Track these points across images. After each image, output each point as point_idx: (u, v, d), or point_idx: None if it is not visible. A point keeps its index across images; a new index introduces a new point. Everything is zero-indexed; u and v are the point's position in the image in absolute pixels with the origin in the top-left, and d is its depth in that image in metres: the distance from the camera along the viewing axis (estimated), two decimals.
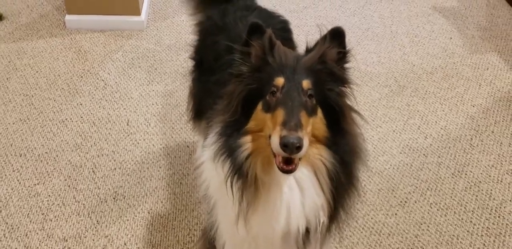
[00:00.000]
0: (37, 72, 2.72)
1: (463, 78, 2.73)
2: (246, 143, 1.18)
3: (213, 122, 1.31)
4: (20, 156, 2.26)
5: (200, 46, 1.88)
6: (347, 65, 1.25)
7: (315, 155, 1.18)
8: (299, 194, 1.20)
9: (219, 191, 1.27)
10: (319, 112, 1.17)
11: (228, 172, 1.18)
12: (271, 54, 1.20)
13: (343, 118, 1.19)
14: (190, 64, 2.00)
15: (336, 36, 1.21)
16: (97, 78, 2.69)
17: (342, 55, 1.22)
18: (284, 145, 1.04)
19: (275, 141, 1.06)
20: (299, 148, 1.04)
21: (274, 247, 1.27)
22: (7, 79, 2.67)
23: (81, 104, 2.52)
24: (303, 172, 1.18)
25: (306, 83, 1.15)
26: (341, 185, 1.21)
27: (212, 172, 1.26)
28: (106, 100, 2.55)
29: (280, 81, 1.15)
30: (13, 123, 2.41)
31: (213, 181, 1.30)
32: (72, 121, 2.43)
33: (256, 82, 1.19)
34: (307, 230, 1.24)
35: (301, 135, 1.05)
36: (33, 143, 2.31)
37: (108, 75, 2.71)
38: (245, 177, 1.18)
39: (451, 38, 3.03)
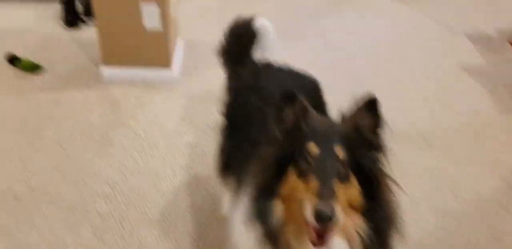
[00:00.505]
0: (72, 122, 2.80)
1: (494, 139, 2.70)
2: (279, 208, 1.18)
3: (244, 184, 1.32)
4: (51, 203, 2.29)
5: (231, 103, 1.91)
6: (381, 132, 1.25)
7: (350, 224, 1.16)
8: None
9: None
10: (353, 180, 1.16)
11: (259, 238, 1.17)
12: (304, 121, 1.21)
13: (378, 185, 1.18)
14: (220, 119, 2.04)
15: (371, 105, 1.22)
16: (129, 129, 2.75)
17: (377, 123, 1.22)
18: (317, 215, 1.03)
19: (307, 211, 1.05)
20: (332, 219, 1.03)
21: None
22: (43, 128, 2.76)
23: (112, 155, 2.57)
24: (337, 241, 1.15)
25: (339, 150, 1.15)
26: None
27: (243, 236, 1.25)
28: (137, 151, 2.60)
29: (313, 147, 1.15)
30: (46, 171, 2.46)
31: (244, 245, 1.28)
32: (103, 172, 2.47)
33: (289, 147, 1.20)
34: None
35: (335, 206, 1.04)
36: (64, 192, 2.35)
37: (138, 126, 2.77)
38: (276, 244, 1.16)
39: (480, 97, 3.03)
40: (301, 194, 1.12)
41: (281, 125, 1.24)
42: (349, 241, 1.17)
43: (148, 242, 2.10)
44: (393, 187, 1.22)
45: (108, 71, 3.15)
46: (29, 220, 2.20)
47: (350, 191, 1.14)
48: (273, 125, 1.25)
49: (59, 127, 2.77)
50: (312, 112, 1.24)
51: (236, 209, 1.32)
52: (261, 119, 1.61)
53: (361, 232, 1.16)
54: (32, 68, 3.24)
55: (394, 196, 1.22)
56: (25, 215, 2.22)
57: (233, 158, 1.80)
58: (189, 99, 3.01)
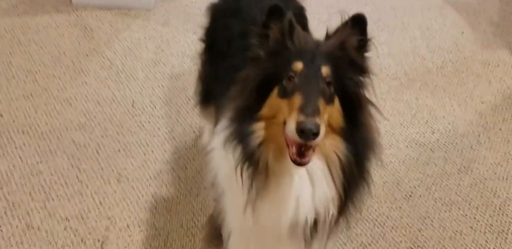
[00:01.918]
0: (41, 48, 2.67)
1: (473, 74, 2.71)
2: (259, 129, 1.15)
3: (225, 108, 1.28)
4: (23, 133, 2.22)
5: (212, 28, 1.83)
6: (367, 54, 1.20)
7: (329, 146, 1.14)
8: (309, 185, 1.17)
9: (228, 179, 1.24)
10: (336, 101, 1.13)
11: (238, 159, 1.15)
12: (290, 38, 1.16)
13: (360, 109, 1.16)
14: (200, 46, 1.96)
15: (358, 23, 1.17)
16: (103, 57, 2.64)
17: (363, 43, 1.18)
18: (301, 130, 1.00)
19: (291, 127, 1.03)
20: (316, 134, 1.01)
21: (281, 238, 1.25)
22: (11, 53, 2.62)
23: (86, 83, 2.48)
24: (315, 163, 1.14)
25: (325, 70, 1.11)
26: (353, 178, 1.18)
27: (222, 160, 1.23)
28: (112, 80, 2.51)
29: (298, 65, 1.11)
30: (16, 100, 2.37)
31: (223, 168, 1.27)
32: (76, 100, 2.39)
33: (272, 66, 1.16)
34: (315, 222, 1.22)
35: (319, 122, 1.02)
36: (36, 121, 2.28)
37: (114, 55, 2.66)
38: (256, 165, 1.14)
39: (462, 32, 3.00)
40: (285, 113, 1.09)
41: (265, 43, 1.19)
42: (328, 162, 1.16)
43: (126, 172, 2.08)
44: (375, 114, 1.20)
45: None
46: None
47: (332, 112, 1.12)
48: (256, 42, 1.20)
49: (28, 53, 2.63)
50: (299, 29, 1.18)
51: (216, 134, 1.29)
52: (242, 44, 1.55)
53: (340, 154, 1.15)
54: None
55: (376, 123, 1.20)
56: None
57: (213, 86, 1.75)
58: (167, 26, 2.88)
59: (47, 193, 1.99)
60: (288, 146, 1.10)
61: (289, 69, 1.12)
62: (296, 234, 1.23)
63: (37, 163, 2.10)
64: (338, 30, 1.19)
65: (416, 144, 2.30)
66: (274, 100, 1.14)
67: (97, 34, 2.79)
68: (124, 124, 2.29)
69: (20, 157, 2.12)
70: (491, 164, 2.23)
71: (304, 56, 1.13)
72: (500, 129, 2.39)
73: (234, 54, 1.59)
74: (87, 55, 2.65)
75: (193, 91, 2.14)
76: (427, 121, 2.42)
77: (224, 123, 1.24)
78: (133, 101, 2.41)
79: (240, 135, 1.16)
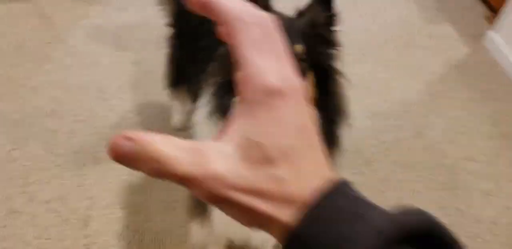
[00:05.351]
0: (0, 38, 2.65)
1: (421, 47, 2.90)
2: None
3: (205, 84, 1.37)
4: None
5: (181, 12, 1.89)
6: (335, 28, 1.32)
7: None
8: None
9: None
10: (310, 75, 1.24)
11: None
12: None
13: (331, 79, 1.28)
14: (165, 30, 2.02)
15: (325, 0, 1.27)
16: (65, 44, 2.66)
17: (331, 19, 1.29)
18: None
19: None
20: None
21: None
22: None
23: (51, 71, 2.51)
24: None
25: (298, 48, 1.22)
26: (326, 144, 1.32)
27: (207, 132, 1.33)
28: (77, 67, 2.55)
29: None
30: None
31: (206, 138, 1.37)
32: (43, 88, 2.42)
33: None
34: None
35: None
36: (5, 109, 2.30)
37: (76, 41, 2.69)
38: None
39: (408, 8, 3.19)
40: None
41: None
42: None
43: (102, 154, 2.15)
44: (343, 82, 1.33)
45: None
46: None
47: (306, 85, 1.24)
48: None
49: None
50: (272, 7, 1.28)
51: (199, 108, 1.38)
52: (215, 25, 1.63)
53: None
54: None
55: (344, 90, 1.34)
56: None
57: (185, 68, 1.83)
58: (126, 11, 2.91)
59: (24, 179, 2.04)
60: None
61: None
62: None
63: (11, 150, 2.13)
64: (309, 7, 1.28)
65: (371, 114, 2.47)
66: None
67: (56, 21, 2.79)
68: (94, 108, 2.34)
69: None
70: (441, 129, 2.43)
71: None
72: (447, 97, 2.60)
73: (206, 35, 1.66)
74: (49, 43, 2.66)
75: (163, 74, 2.20)
76: (380, 92, 2.60)
77: (205, 97, 1.33)
78: (101, 86, 2.46)
79: (223, 108, 1.25)
